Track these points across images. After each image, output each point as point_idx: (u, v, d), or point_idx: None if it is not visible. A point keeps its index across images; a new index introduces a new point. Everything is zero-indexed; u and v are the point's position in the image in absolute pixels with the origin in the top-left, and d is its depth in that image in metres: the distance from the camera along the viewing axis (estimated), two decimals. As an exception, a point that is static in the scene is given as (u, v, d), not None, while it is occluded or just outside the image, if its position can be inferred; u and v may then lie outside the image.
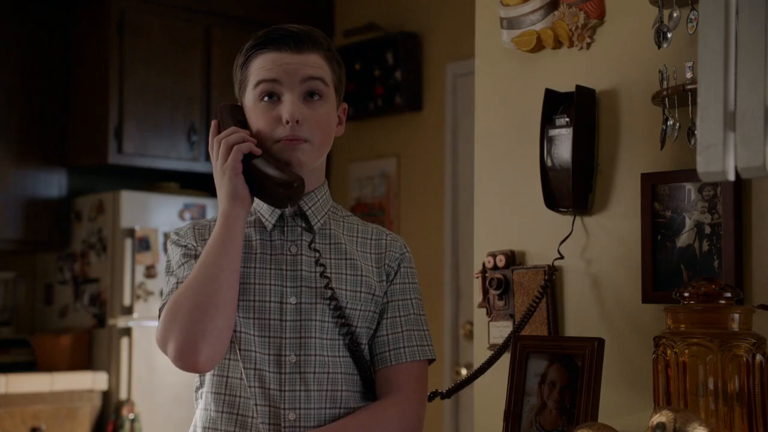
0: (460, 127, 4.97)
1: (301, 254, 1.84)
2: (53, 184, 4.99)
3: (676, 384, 1.68)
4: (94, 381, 4.72)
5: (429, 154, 5.11)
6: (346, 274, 1.84)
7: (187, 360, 1.70)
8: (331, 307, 1.81)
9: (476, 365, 2.17)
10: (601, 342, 1.89)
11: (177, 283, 1.81)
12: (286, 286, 1.81)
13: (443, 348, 4.87)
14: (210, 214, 5.06)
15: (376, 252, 1.90)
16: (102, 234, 4.89)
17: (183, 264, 1.84)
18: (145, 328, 4.81)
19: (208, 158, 5.05)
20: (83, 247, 4.99)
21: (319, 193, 1.90)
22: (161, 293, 4.71)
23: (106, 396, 4.76)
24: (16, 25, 4.88)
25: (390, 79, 5.17)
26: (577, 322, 2.14)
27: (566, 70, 2.17)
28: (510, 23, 2.26)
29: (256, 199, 1.83)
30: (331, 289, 1.81)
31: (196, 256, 1.83)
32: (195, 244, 1.85)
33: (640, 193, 2.02)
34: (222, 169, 1.77)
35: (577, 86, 2.09)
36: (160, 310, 1.79)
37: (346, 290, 1.83)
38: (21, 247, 4.98)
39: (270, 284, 1.81)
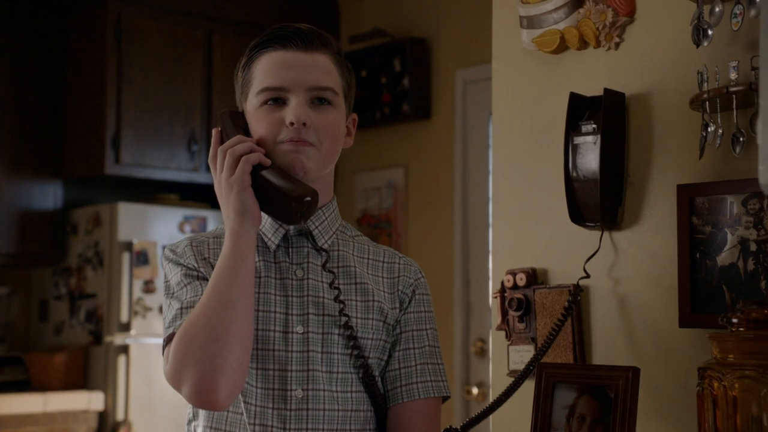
0: (470, 135, 4.92)
1: (308, 278, 1.71)
2: (48, 195, 4.94)
3: (725, 421, 1.53)
4: (90, 401, 4.65)
5: (438, 164, 5.05)
6: (356, 300, 1.72)
7: (205, 398, 1.57)
8: (345, 336, 1.68)
9: (494, 393, 2.06)
10: (636, 372, 1.75)
11: (181, 308, 1.68)
12: (292, 314, 1.68)
13: (453, 366, 4.78)
14: (211, 227, 5.02)
15: (389, 276, 1.78)
16: (99, 247, 4.84)
17: (185, 286, 1.70)
18: (143, 345, 4.76)
19: (209, 169, 4.91)
20: (79, 261, 4.95)
21: (327, 210, 1.77)
22: (160, 309, 4.68)
23: (103, 417, 4.70)
24: (9, 30, 4.85)
25: (397, 86, 5.12)
26: (606, 348, 2.01)
27: (593, 73, 2.07)
28: (530, 22, 2.15)
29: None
30: (347, 315, 1.68)
31: (198, 277, 1.71)
32: (195, 264, 1.72)
33: (676, 207, 1.89)
34: (229, 182, 1.65)
35: (605, 90, 1.98)
36: (166, 341, 1.66)
37: (357, 317, 1.71)
38: (15, 261, 4.94)
39: (274, 312, 1.68)
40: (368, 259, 1.78)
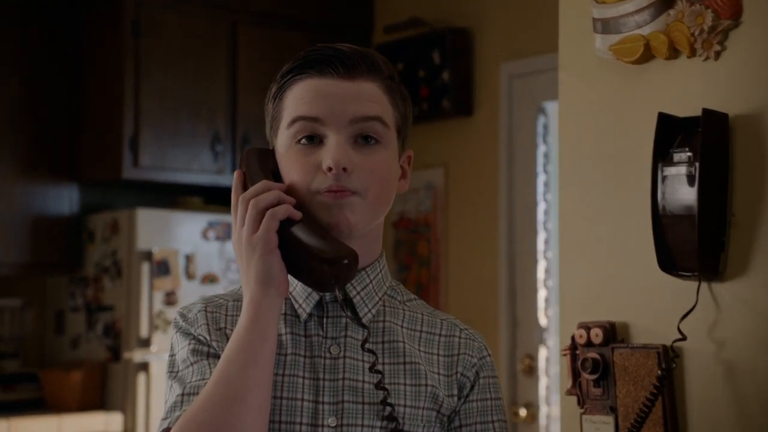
0: (515, 133, 4.76)
1: (345, 356, 1.44)
2: (63, 200, 4.83)
3: None
4: (108, 423, 4.54)
5: (480, 164, 4.91)
6: (404, 384, 1.45)
7: None
8: (389, 430, 1.42)
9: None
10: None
11: (182, 394, 1.41)
12: (323, 402, 1.42)
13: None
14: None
15: (446, 354, 1.50)
16: (117, 256, 4.71)
17: (191, 365, 1.44)
18: (164, 362, 4.57)
19: (233, 169, 4.77)
20: (96, 271, 4.81)
21: (372, 272, 1.49)
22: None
23: (121, 440, 4.65)
24: (22, 27, 4.77)
25: (436, 80, 4.98)
26: (708, 427, 1.73)
27: (686, 88, 1.82)
28: (607, 26, 1.91)
29: (289, 278, 1.44)
30: (391, 405, 1.41)
31: (209, 355, 1.45)
32: (208, 337, 1.45)
33: (798, 258, 1.62)
34: (251, 242, 1.38)
35: (704, 110, 1.73)
36: None
37: (404, 406, 1.44)
38: (29, 271, 4.84)
39: (302, 399, 1.42)
40: (421, 332, 1.51)
